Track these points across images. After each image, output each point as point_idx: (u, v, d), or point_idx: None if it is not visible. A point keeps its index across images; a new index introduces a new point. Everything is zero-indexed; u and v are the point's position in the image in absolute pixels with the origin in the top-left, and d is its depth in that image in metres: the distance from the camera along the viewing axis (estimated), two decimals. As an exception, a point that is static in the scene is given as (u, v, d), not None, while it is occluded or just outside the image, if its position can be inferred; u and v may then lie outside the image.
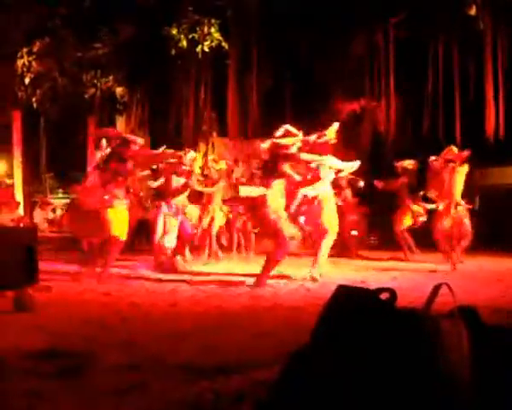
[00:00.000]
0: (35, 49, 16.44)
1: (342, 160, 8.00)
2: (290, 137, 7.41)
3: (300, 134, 7.57)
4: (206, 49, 17.40)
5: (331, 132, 7.68)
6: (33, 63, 16.52)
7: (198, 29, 17.26)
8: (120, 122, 18.77)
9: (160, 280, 7.48)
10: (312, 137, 7.68)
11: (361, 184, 10.70)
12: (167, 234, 8.83)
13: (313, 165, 7.52)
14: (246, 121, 18.44)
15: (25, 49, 16.40)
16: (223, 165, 11.68)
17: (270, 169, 7.22)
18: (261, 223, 7.53)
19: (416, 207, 11.13)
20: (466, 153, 9.49)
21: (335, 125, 7.80)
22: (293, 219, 7.36)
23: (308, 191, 7.50)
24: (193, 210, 10.71)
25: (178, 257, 9.04)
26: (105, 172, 7.71)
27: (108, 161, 7.76)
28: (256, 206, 7.07)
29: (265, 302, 5.64)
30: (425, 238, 10.52)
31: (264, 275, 6.92)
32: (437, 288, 1.76)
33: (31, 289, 5.06)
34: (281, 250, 6.94)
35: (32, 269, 5.03)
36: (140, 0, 16.81)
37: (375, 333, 1.62)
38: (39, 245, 5.45)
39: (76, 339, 3.83)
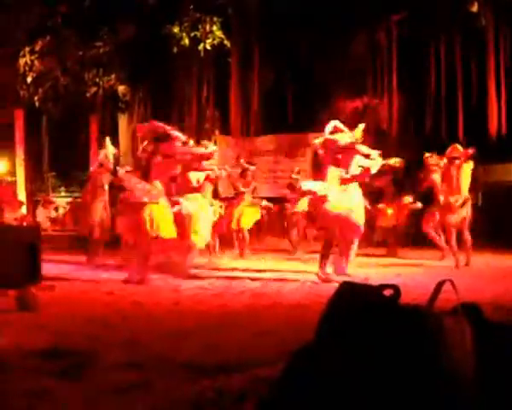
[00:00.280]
0: (37, 48, 16.44)
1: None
2: (339, 132, 7.47)
3: (347, 130, 7.60)
4: (208, 48, 17.41)
5: (358, 133, 7.65)
6: (35, 62, 16.52)
7: (200, 27, 17.27)
8: (122, 120, 18.80)
9: (163, 279, 7.48)
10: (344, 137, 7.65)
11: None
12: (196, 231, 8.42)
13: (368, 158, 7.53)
14: (248, 119, 18.44)
15: (27, 49, 16.40)
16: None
17: (324, 164, 7.35)
18: (322, 217, 7.46)
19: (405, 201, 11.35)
20: (471, 151, 9.54)
21: (361, 126, 7.76)
22: None
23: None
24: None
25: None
26: (148, 168, 7.36)
27: (151, 156, 7.39)
28: (317, 200, 7.16)
29: (267, 301, 5.64)
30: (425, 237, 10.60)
31: (342, 262, 7.19)
32: (440, 285, 1.75)
33: (34, 288, 5.06)
34: (352, 235, 7.18)
35: (35, 268, 5.03)
36: (141, -2, 16.83)
37: (379, 330, 1.62)
38: (42, 244, 5.45)
39: (79, 338, 3.83)
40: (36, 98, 16.86)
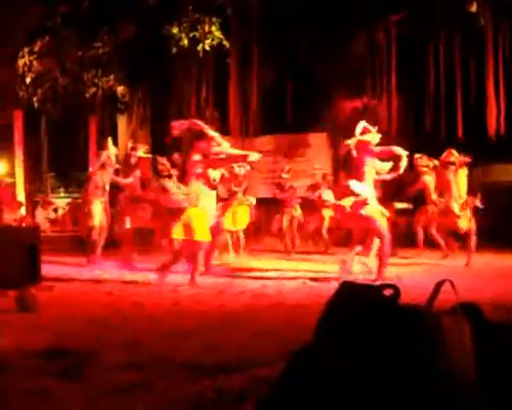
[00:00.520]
0: (36, 48, 16.42)
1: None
2: (368, 133, 7.50)
3: (375, 130, 7.62)
4: (207, 48, 17.38)
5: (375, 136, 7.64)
6: (34, 63, 16.50)
7: (199, 27, 17.25)
8: (121, 121, 18.77)
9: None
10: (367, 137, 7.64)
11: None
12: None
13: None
14: (247, 120, 18.43)
15: (26, 49, 16.38)
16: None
17: (357, 165, 7.35)
18: (358, 220, 7.42)
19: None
20: (467, 159, 9.56)
21: (363, 123, 7.73)
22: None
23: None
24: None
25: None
26: (184, 168, 7.31)
27: (188, 157, 7.30)
28: (360, 203, 7.14)
29: (267, 301, 5.64)
30: (426, 237, 10.61)
31: (381, 271, 7.10)
32: (439, 285, 1.75)
33: (33, 288, 5.06)
34: (384, 244, 7.14)
35: (35, 268, 5.03)
36: (140, -1, 16.82)
37: (379, 330, 1.62)
38: (41, 245, 5.45)
39: (79, 338, 3.83)
40: (35, 99, 16.83)
